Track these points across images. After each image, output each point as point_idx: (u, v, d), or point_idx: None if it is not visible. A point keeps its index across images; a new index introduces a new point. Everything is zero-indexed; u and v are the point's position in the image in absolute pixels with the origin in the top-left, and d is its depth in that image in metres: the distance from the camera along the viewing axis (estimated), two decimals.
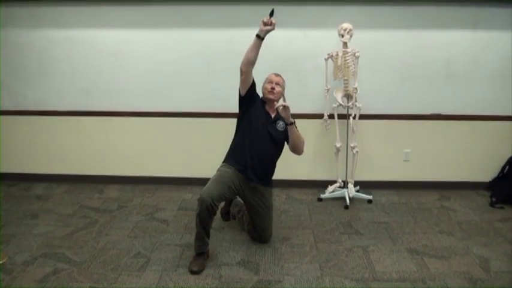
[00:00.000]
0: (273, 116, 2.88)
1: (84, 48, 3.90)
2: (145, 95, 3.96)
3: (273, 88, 2.84)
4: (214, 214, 2.65)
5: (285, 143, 2.91)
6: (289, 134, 2.80)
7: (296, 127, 2.83)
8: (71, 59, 3.92)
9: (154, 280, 2.52)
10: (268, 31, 2.62)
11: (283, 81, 2.95)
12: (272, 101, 2.88)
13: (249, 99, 2.82)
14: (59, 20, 3.85)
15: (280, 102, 2.72)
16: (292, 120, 2.74)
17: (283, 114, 2.71)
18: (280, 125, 2.85)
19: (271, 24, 2.59)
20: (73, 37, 3.88)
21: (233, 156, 2.87)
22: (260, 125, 2.83)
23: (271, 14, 2.57)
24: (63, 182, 4.09)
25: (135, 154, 4.07)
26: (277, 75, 2.93)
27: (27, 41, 3.91)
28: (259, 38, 2.65)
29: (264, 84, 2.92)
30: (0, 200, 3.68)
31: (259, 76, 2.89)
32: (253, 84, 2.81)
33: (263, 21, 2.59)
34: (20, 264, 2.66)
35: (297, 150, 2.87)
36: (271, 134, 2.83)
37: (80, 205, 3.61)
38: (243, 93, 2.80)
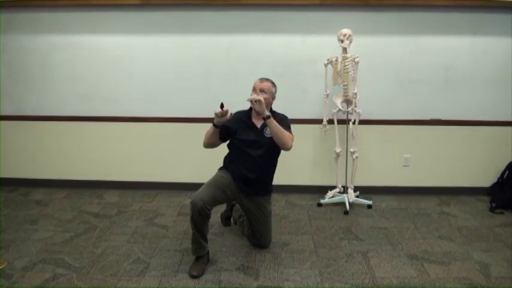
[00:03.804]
0: (259, 125, 2.83)
1: (84, 53, 3.91)
2: (145, 101, 3.97)
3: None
4: (208, 218, 2.64)
5: (279, 148, 2.84)
6: (268, 128, 2.70)
7: (289, 126, 2.82)
8: (72, 64, 3.94)
9: (154, 286, 2.51)
10: (223, 121, 2.69)
11: (272, 85, 2.85)
12: (257, 111, 2.78)
13: (228, 135, 2.86)
14: (60, 26, 3.87)
15: (253, 96, 2.68)
16: (267, 113, 2.66)
17: (256, 108, 2.67)
18: (268, 131, 2.77)
19: (225, 114, 2.64)
20: (74, 43, 3.90)
21: (229, 168, 2.87)
22: (249, 140, 2.80)
23: (221, 106, 2.63)
24: (62, 187, 4.09)
25: (135, 159, 4.08)
26: (262, 80, 2.84)
27: (28, 47, 3.92)
28: (216, 127, 2.73)
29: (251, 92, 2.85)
30: (0, 205, 3.67)
31: None
32: (222, 132, 2.80)
33: (216, 114, 2.64)
34: (19, 270, 2.66)
35: (281, 143, 2.71)
36: (262, 144, 2.80)
37: (79, 210, 3.61)
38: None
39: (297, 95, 3.81)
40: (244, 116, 2.87)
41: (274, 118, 2.72)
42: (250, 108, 2.85)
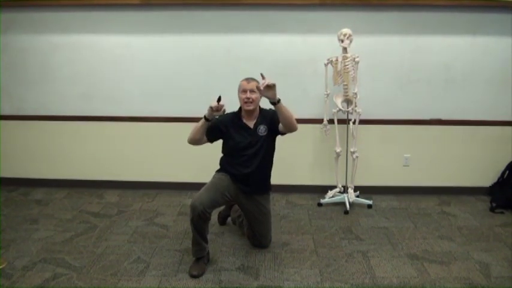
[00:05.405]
0: (252, 125, 2.81)
1: (85, 53, 3.91)
2: (145, 100, 3.97)
3: (248, 98, 2.74)
4: (208, 220, 2.65)
5: (273, 145, 2.88)
6: (278, 113, 2.63)
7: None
8: (72, 64, 3.94)
9: (154, 285, 2.52)
10: (215, 116, 2.68)
11: (258, 83, 2.78)
12: (250, 112, 2.79)
13: (217, 137, 2.86)
14: (61, 25, 3.87)
15: (262, 81, 2.55)
16: (278, 97, 2.59)
17: (268, 94, 2.54)
18: (261, 129, 2.79)
19: (220, 109, 2.62)
20: (74, 42, 3.89)
21: (226, 169, 2.87)
22: (242, 141, 2.79)
23: (219, 100, 2.61)
24: (63, 186, 4.09)
25: (135, 159, 4.08)
26: (249, 81, 2.77)
27: (28, 46, 3.92)
28: (207, 120, 2.69)
29: (238, 93, 2.82)
30: (0, 205, 3.67)
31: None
32: (212, 132, 2.81)
33: (211, 108, 2.61)
34: (19, 269, 2.66)
35: (290, 126, 2.67)
36: (256, 143, 2.79)
37: (79, 210, 3.61)
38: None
39: (297, 95, 3.81)
40: (234, 118, 2.84)
41: (266, 115, 2.78)
42: (239, 110, 2.85)
